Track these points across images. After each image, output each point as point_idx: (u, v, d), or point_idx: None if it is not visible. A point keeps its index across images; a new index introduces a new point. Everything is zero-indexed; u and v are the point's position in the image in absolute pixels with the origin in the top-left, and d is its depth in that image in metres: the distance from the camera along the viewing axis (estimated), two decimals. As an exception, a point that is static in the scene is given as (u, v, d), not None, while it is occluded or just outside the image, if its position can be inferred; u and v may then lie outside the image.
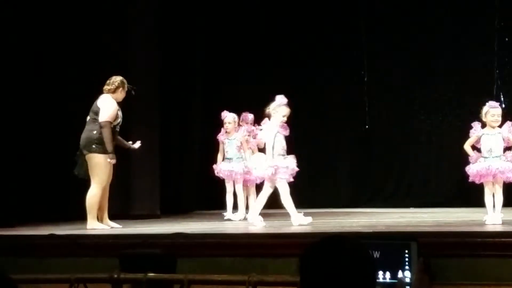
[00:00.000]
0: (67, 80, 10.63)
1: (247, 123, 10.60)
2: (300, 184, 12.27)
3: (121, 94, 8.97)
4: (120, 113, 8.89)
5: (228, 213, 10.01)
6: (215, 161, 10.18)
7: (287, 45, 12.62)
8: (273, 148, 8.42)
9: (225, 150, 10.08)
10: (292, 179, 8.48)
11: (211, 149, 10.39)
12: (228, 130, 10.08)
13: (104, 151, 8.64)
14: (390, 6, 12.23)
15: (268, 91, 9.23)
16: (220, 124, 10.17)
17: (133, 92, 9.07)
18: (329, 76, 12.19)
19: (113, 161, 8.69)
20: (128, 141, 9.21)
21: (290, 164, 8.38)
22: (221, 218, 10.04)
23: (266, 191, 8.53)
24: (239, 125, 10.64)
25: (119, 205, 10.31)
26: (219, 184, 10.22)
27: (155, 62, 11.12)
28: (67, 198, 9.95)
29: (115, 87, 8.90)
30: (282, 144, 8.43)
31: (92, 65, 10.49)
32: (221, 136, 10.15)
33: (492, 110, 8.19)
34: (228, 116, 10.10)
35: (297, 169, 8.45)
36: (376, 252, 4.79)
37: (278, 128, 8.44)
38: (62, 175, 10.07)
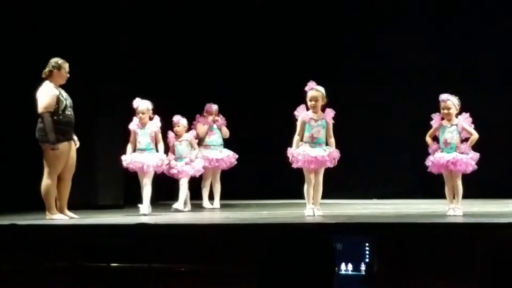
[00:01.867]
0: (29, 70, 10.51)
1: (211, 114, 10.62)
2: (265, 175, 12.40)
3: (59, 77, 8.67)
4: (63, 96, 8.63)
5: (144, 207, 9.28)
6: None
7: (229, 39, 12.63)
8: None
9: (137, 141, 9.38)
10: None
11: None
12: (142, 120, 9.34)
13: (48, 141, 8.51)
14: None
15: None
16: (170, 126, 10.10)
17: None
18: (290, 69, 12.19)
19: (56, 150, 8.48)
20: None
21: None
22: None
23: None
24: (203, 115, 10.65)
25: (83, 195, 10.25)
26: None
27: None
28: (30, 187, 9.87)
29: (48, 70, 8.65)
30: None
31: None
32: (134, 126, 9.43)
33: (442, 104, 8.27)
34: (141, 105, 9.37)
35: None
36: (339, 244, 4.85)
37: None
38: (25, 164, 9.97)
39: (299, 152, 8.33)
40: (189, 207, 9.91)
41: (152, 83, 11.24)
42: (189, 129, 10.15)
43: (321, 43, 12.43)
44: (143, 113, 9.30)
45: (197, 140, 10.19)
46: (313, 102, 8.41)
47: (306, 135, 8.42)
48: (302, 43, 12.45)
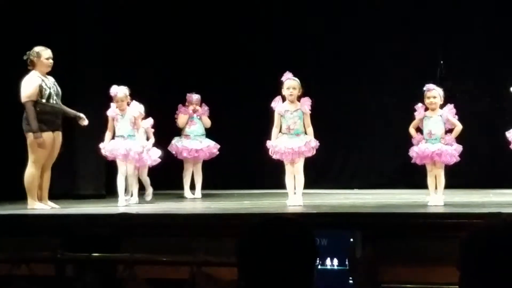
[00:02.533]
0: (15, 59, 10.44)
1: (191, 103, 10.56)
2: (247, 166, 12.39)
3: (42, 65, 8.61)
4: (47, 84, 8.60)
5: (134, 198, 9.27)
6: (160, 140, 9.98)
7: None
8: None
9: (117, 127, 9.07)
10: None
11: (159, 128, 10.16)
12: (121, 107, 9.08)
13: (31, 130, 8.49)
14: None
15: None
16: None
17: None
18: (272, 58, 12.18)
19: (39, 140, 8.45)
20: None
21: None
22: (166, 198, 10.02)
23: None
24: (184, 105, 10.60)
25: (64, 184, 10.22)
26: (165, 164, 10.13)
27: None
28: (13, 177, 9.82)
29: (29, 60, 8.61)
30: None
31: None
32: (112, 112, 9.13)
33: (427, 93, 8.28)
34: (119, 92, 9.09)
35: None
36: (324, 240, 4.88)
37: None
38: (7, 153, 9.92)
39: (277, 144, 8.40)
40: (135, 199, 9.34)
41: (133, 72, 11.18)
42: (146, 117, 9.60)
43: (307, 30, 12.40)
44: (122, 100, 9.02)
45: (153, 130, 9.85)
46: (290, 90, 8.44)
47: (283, 126, 8.47)
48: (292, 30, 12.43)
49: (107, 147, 9.05)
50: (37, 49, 8.64)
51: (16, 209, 8.32)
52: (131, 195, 9.27)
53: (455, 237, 2.61)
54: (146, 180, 9.78)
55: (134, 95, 9.26)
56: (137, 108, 9.17)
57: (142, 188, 9.64)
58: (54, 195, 8.90)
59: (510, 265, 2.45)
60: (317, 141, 8.46)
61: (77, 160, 10.73)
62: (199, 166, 10.59)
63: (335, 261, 5.01)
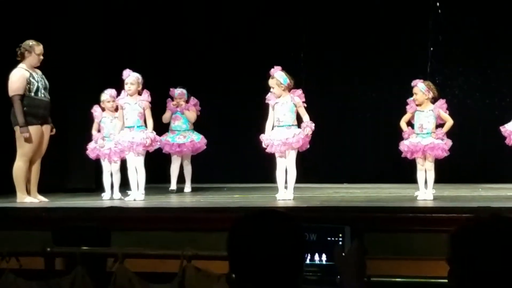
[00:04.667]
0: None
1: (175, 99, 10.43)
2: (237, 159, 12.39)
3: (32, 59, 8.64)
4: (34, 77, 8.59)
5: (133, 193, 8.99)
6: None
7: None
8: None
9: (125, 117, 8.90)
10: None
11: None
12: (129, 90, 8.87)
13: (18, 124, 8.52)
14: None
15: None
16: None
17: None
18: (266, 51, 12.17)
19: (25, 134, 8.47)
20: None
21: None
22: (157, 192, 10.02)
23: None
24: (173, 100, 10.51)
25: (54, 178, 10.20)
26: (156, 157, 10.11)
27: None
28: (1, 171, 9.78)
29: (20, 53, 8.64)
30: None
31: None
32: (121, 100, 8.95)
33: (414, 89, 8.33)
34: (131, 75, 8.92)
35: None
36: (313, 235, 4.89)
37: None
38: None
39: (267, 137, 8.44)
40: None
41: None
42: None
43: (299, 21, 12.41)
44: (131, 83, 8.77)
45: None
46: (272, 88, 8.52)
47: (275, 119, 8.51)
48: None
49: (116, 138, 8.86)
50: (31, 43, 8.65)
51: (4, 203, 8.30)
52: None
53: (444, 231, 2.62)
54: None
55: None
56: (148, 98, 8.91)
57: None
58: (43, 189, 8.89)
59: (499, 258, 2.47)
60: (307, 133, 8.45)
61: (67, 154, 10.71)
62: (187, 160, 10.51)
63: (324, 257, 5.02)
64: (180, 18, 12.56)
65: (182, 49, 12.59)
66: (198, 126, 10.57)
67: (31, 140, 8.53)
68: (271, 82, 8.54)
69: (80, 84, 10.65)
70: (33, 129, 8.54)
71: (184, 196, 10.07)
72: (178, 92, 10.43)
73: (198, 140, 10.35)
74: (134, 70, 8.89)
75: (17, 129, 8.54)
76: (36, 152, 8.67)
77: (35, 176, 8.75)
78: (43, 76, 8.76)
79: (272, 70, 8.55)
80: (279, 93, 8.48)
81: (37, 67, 8.75)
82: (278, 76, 8.49)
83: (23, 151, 8.55)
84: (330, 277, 4.89)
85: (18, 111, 8.45)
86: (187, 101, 10.47)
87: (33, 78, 8.58)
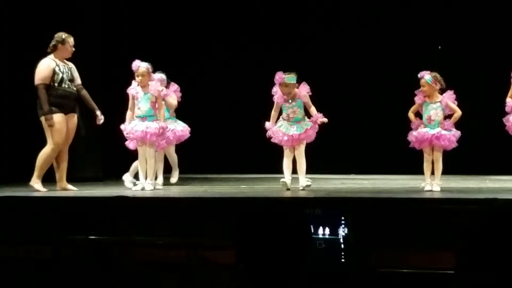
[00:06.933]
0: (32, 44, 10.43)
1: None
2: (245, 150, 12.40)
3: (64, 52, 8.76)
4: (60, 69, 8.67)
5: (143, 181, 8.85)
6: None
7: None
8: None
9: (137, 107, 8.75)
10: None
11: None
12: (142, 83, 8.72)
13: (43, 113, 8.62)
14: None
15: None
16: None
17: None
18: (268, 45, 12.18)
19: (50, 122, 8.54)
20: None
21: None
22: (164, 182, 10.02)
23: None
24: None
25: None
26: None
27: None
28: (12, 161, 9.84)
29: (53, 45, 8.74)
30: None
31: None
32: (133, 90, 8.79)
33: (421, 81, 8.31)
34: (141, 66, 8.72)
35: None
36: (318, 209, 4.95)
37: None
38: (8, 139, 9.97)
39: (276, 130, 8.51)
40: (160, 181, 9.37)
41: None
42: None
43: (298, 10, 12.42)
44: (143, 75, 8.64)
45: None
46: (289, 94, 8.51)
47: (283, 114, 8.60)
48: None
49: (127, 128, 8.73)
50: (63, 35, 8.77)
51: (13, 191, 8.33)
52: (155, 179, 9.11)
53: (451, 223, 2.63)
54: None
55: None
56: (159, 86, 8.83)
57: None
58: (52, 179, 8.90)
59: (506, 250, 2.47)
60: (322, 116, 8.49)
61: (75, 143, 10.72)
62: (171, 150, 9.85)
63: (327, 230, 5.07)
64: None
65: (175, 34, 12.58)
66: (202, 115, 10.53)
67: (57, 129, 8.56)
68: (285, 89, 8.46)
69: (86, 71, 10.67)
70: (56, 117, 8.61)
71: (189, 185, 9.95)
72: (158, 77, 9.37)
73: (180, 129, 9.74)
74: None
75: (43, 119, 8.60)
76: (64, 141, 8.73)
77: (63, 165, 8.83)
78: (72, 69, 8.84)
79: (279, 78, 8.46)
80: (293, 93, 8.49)
81: (69, 59, 8.81)
82: (290, 79, 8.46)
83: (53, 140, 8.61)
84: (333, 252, 4.95)
85: (43, 99, 8.54)
86: (167, 87, 9.71)
87: (59, 69, 8.68)
